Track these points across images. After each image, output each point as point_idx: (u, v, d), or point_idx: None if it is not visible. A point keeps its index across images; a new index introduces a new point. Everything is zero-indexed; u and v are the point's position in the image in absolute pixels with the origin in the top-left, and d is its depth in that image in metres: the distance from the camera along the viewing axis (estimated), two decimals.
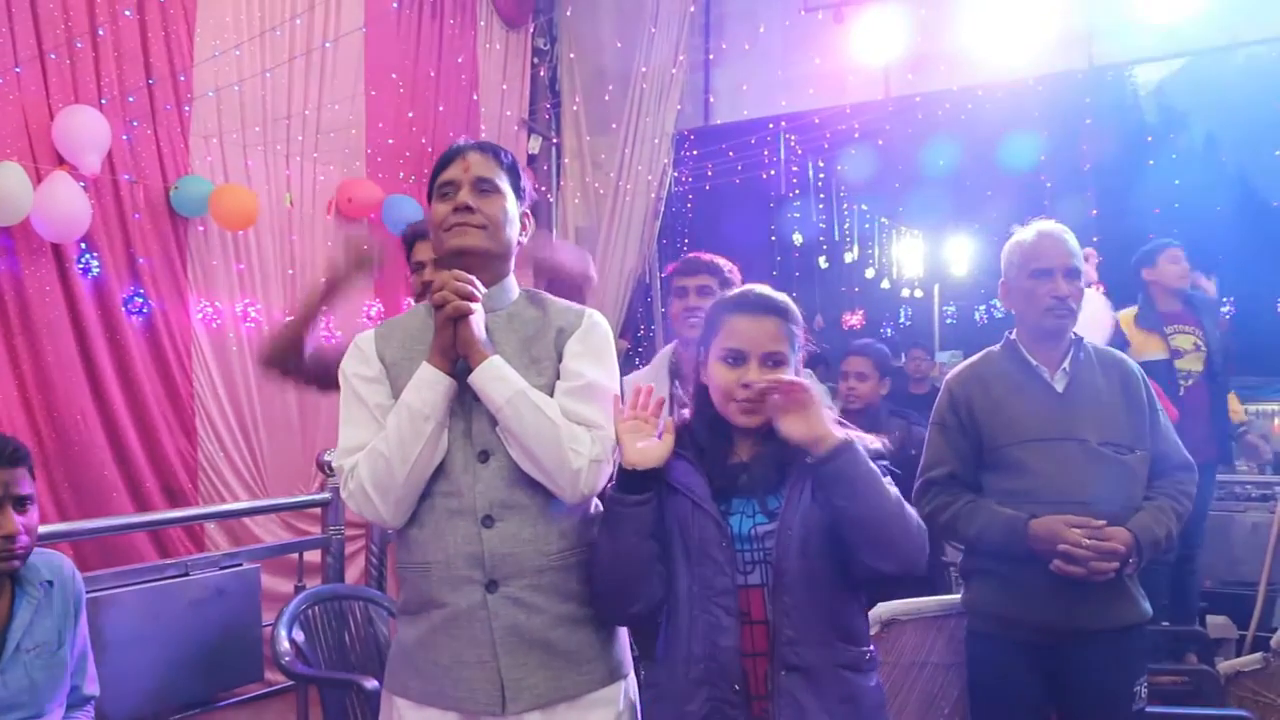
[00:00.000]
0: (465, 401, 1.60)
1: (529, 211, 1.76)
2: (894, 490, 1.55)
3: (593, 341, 1.67)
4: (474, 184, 1.64)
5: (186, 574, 3.21)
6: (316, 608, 2.61)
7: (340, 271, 2.33)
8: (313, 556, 3.80)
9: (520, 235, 1.72)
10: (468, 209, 1.62)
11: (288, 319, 2.32)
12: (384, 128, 5.04)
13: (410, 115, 5.17)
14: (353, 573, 4.28)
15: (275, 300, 4.54)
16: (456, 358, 1.58)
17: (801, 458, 1.56)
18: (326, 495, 3.72)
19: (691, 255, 2.66)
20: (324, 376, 2.29)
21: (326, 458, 3.57)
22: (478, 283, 1.59)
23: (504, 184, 1.67)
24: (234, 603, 3.25)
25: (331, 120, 4.76)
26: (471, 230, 1.62)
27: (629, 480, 1.57)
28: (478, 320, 1.59)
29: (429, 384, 1.57)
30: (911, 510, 1.57)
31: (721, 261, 2.61)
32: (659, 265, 6.21)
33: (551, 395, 1.61)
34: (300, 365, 2.33)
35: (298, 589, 3.36)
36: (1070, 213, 5.19)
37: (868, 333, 9.31)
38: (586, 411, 1.60)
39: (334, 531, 3.65)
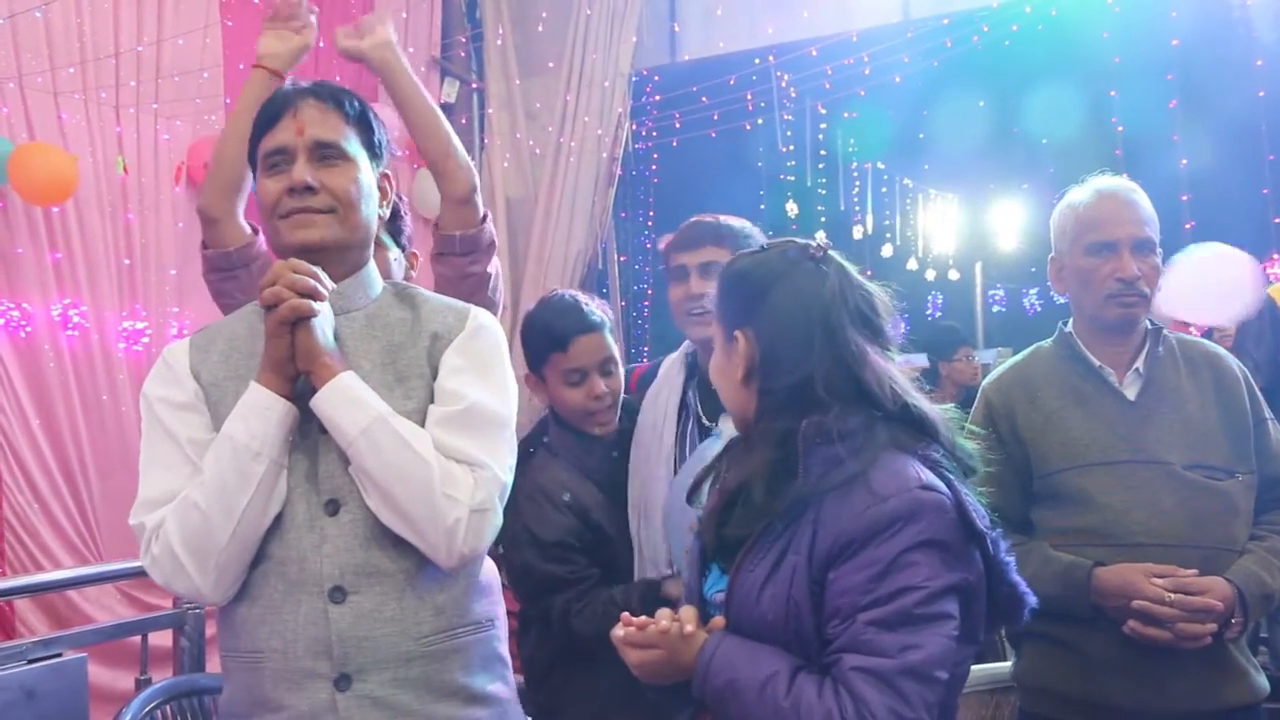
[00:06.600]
0: (309, 434, 1.59)
1: (389, 173, 1.73)
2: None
3: (478, 351, 1.66)
4: (312, 151, 1.61)
5: None
6: (168, 707, 2.55)
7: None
8: (162, 639, 3.70)
9: (381, 207, 1.70)
10: (308, 189, 1.59)
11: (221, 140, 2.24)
12: (246, 70, 4.93)
13: None
14: (217, 659, 4.18)
15: (107, 300, 4.48)
16: (296, 374, 1.56)
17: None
18: None
19: (692, 221, 2.54)
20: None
21: None
22: (324, 275, 1.57)
23: (353, 145, 1.65)
24: (50, 707, 3.16)
25: (177, 59, 4.70)
26: (316, 219, 1.60)
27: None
28: (323, 324, 1.56)
29: (259, 410, 1.54)
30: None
31: (734, 222, 2.41)
32: (616, 245, 6.18)
33: (424, 424, 1.59)
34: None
35: (141, 683, 3.27)
36: (1151, 166, 5.22)
37: None
38: (467, 445, 1.58)
39: (191, 605, 3.56)
